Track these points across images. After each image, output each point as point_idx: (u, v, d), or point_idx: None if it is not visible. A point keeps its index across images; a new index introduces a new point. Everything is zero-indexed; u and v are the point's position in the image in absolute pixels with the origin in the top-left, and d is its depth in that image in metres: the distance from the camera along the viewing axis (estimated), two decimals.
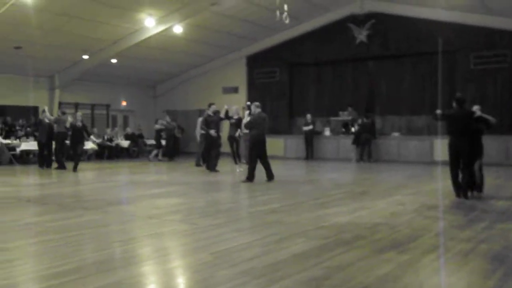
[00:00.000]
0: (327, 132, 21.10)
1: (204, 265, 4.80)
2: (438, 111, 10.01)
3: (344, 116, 20.70)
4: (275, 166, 12.61)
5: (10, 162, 17.70)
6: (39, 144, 16.63)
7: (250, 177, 11.92)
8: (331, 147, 20.58)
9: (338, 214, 7.63)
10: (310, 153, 20.40)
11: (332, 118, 21.34)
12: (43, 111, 16.91)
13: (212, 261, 4.92)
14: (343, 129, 20.71)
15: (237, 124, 16.51)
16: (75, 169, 15.08)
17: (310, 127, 20.41)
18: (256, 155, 12.09)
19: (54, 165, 16.20)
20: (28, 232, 6.50)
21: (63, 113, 16.63)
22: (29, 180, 13.36)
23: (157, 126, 20.17)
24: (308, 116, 20.53)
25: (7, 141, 18.37)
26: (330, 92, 21.90)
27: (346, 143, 19.82)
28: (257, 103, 12.75)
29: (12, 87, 20.59)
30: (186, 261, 5.08)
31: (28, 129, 20.37)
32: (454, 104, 9.43)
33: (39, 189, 11.63)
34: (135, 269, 4.78)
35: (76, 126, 15.45)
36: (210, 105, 15.49)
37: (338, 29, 20.72)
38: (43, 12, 15.52)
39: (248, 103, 14.83)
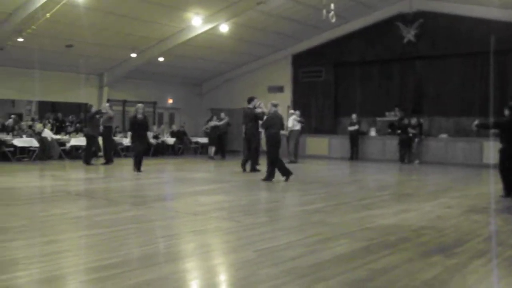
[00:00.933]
0: (372, 132, 20.84)
1: (247, 262, 4.82)
2: (476, 122, 9.96)
3: (391, 116, 20.39)
4: (319, 166, 12.56)
5: (60, 157, 18.21)
6: (92, 139, 16.22)
7: (271, 176, 11.79)
8: (376, 147, 20.32)
9: (383, 215, 7.52)
10: (355, 154, 20.20)
11: (378, 119, 21.06)
12: (106, 106, 17.15)
13: (255, 259, 4.93)
14: (389, 130, 20.40)
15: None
16: (138, 169, 13.51)
17: (356, 127, 20.21)
18: (276, 153, 11.94)
19: (99, 161, 16.45)
20: (77, 225, 6.68)
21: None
22: (78, 175, 13.69)
23: (213, 123, 20.16)
24: (354, 116, 20.32)
25: (58, 136, 18.91)
26: (376, 92, 21.59)
27: (392, 144, 19.53)
28: (274, 102, 12.47)
29: (63, 84, 21.18)
30: (229, 258, 5.11)
31: (78, 125, 20.96)
32: (506, 112, 9.22)
33: (87, 183, 11.91)
34: (179, 265, 4.84)
35: (137, 119, 13.56)
36: (253, 99, 14.64)
37: (386, 28, 20.42)
38: (93, 11, 15.91)
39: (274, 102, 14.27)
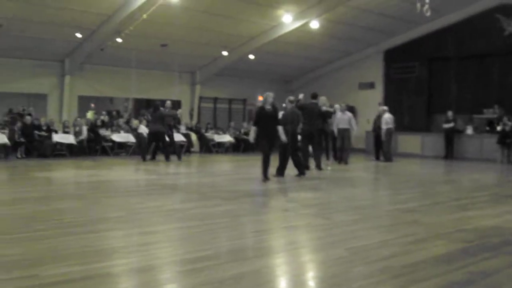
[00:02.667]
0: (469, 130, 19.89)
1: (339, 260, 4.75)
2: None
3: (489, 114, 19.38)
4: (411, 165, 12.17)
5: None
6: (157, 136, 15.93)
7: (303, 171, 11.71)
8: (473, 146, 19.37)
9: (481, 217, 7.15)
10: (450, 152, 19.39)
11: (475, 116, 20.07)
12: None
13: (347, 256, 4.85)
14: (488, 128, 19.39)
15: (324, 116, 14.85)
16: (280, 172, 11.72)
17: (451, 124, 19.39)
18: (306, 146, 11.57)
19: (194, 156, 16.88)
20: (171, 218, 6.89)
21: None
22: (170, 169, 14.13)
23: None
24: (449, 113, 19.50)
25: None
26: (473, 88, 20.59)
27: (491, 142, 18.54)
28: (291, 98, 12.07)
29: (158, 82, 21.96)
30: (321, 255, 5.05)
31: (178, 125, 21.66)
32: None
33: (180, 178, 12.26)
34: (271, 260, 4.86)
35: (266, 111, 10.80)
36: (317, 95, 14.24)
37: (485, 21, 19.40)
38: (187, 11, 16.35)
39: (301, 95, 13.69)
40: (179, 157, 16.52)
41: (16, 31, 16.23)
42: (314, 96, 14.01)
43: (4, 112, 19.95)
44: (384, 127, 17.26)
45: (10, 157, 15.74)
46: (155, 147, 16.42)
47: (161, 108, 16.42)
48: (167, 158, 15.81)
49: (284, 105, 12.87)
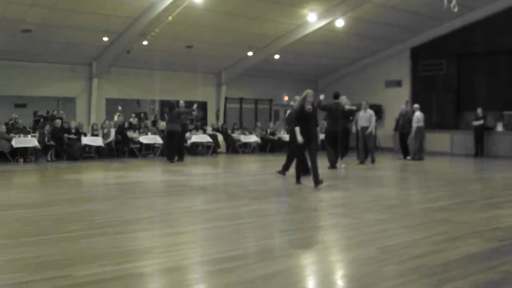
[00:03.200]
0: (499, 127, 19.53)
1: (370, 259, 4.70)
2: None
3: None
4: (441, 163, 12.00)
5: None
6: (174, 136, 16.04)
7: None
8: (504, 144, 19.01)
9: None
10: (480, 150, 19.07)
11: (506, 112, 19.69)
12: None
13: (378, 256, 4.80)
14: None
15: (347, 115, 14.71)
16: (298, 179, 10.44)
17: (481, 122, 19.06)
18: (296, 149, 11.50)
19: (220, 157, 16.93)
20: (200, 218, 6.91)
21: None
22: (198, 170, 14.20)
23: None
24: (479, 110, 19.17)
25: None
26: (504, 84, 20.20)
27: None
28: (297, 97, 11.79)
29: (183, 83, 22.09)
30: (351, 255, 5.00)
31: (198, 123, 21.77)
32: None
33: (207, 178, 12.31)
34: (301, 259, 4.85)
35: (306, 112, 9.95)
36: (339, 95, 14.23)
37: None
38: (212, 12, 16.42)
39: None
40: (171, 159, 16.00)
41: (45, 36, 16.54)
42: (336, 96, 14.05)
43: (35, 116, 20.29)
44: (414, 125, 17.05)
45: (40, 160, 16.02)
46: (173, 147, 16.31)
47: (176, 108, 16.57)
48: (181, 158, 16.07)
49: (292, 103, 12.78)
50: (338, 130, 13.65)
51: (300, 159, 10.49)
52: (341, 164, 13.95)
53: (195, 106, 17.34)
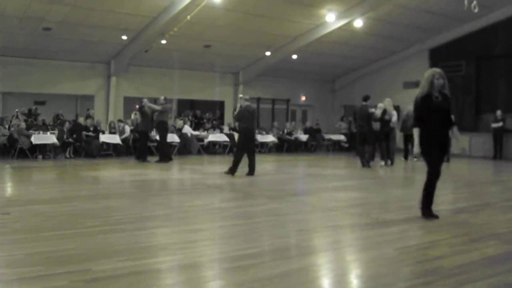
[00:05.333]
0: None
1: (388, 260, 4.68)
2: None
3: None
4: (459, 165, 11.90)
5: (199, 152, 19.08)
6: (144, 135, 15.81)
7: (233, 170, 11.59)
8: None
9: None
10: (499, 152, 18.87)
11: None
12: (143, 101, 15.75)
13: (396, 256, 4.78)
14: None
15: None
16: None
17: (500, 124, 18.86)
18: (246, 148, 11.59)
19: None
20: (217, 216, 6.94)
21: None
22: (215, 169, 14.21)
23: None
24: (498, 112, 18.96)
25: (196, 132, 19.85)
26: None
27: None
28: (246, 96, 12.16)
29: (201, 83, 22.16)
30: (369, 255, 4.97)
31: (215, 122, 21.83)
32: None
33: (224, 177, 12.30)
34: (318, 258, 4.84)
35: (434, 101, 6.51)
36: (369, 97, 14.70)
37: None
38: (230, 12, 16.45)
39: (241, 95, 13.57)
40: (143, 159, 15.38)
41: (65, 34, 16.69)
42: (365, 99, 14.59)
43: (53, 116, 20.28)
44: None
45: (58, 156, 16.17)
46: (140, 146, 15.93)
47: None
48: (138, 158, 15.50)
49: (238, 105, 12.78)
50: (365, 132, 14.24)
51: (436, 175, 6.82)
52: (379, 163, 14.61)
53: (162, 98, 15.91)
